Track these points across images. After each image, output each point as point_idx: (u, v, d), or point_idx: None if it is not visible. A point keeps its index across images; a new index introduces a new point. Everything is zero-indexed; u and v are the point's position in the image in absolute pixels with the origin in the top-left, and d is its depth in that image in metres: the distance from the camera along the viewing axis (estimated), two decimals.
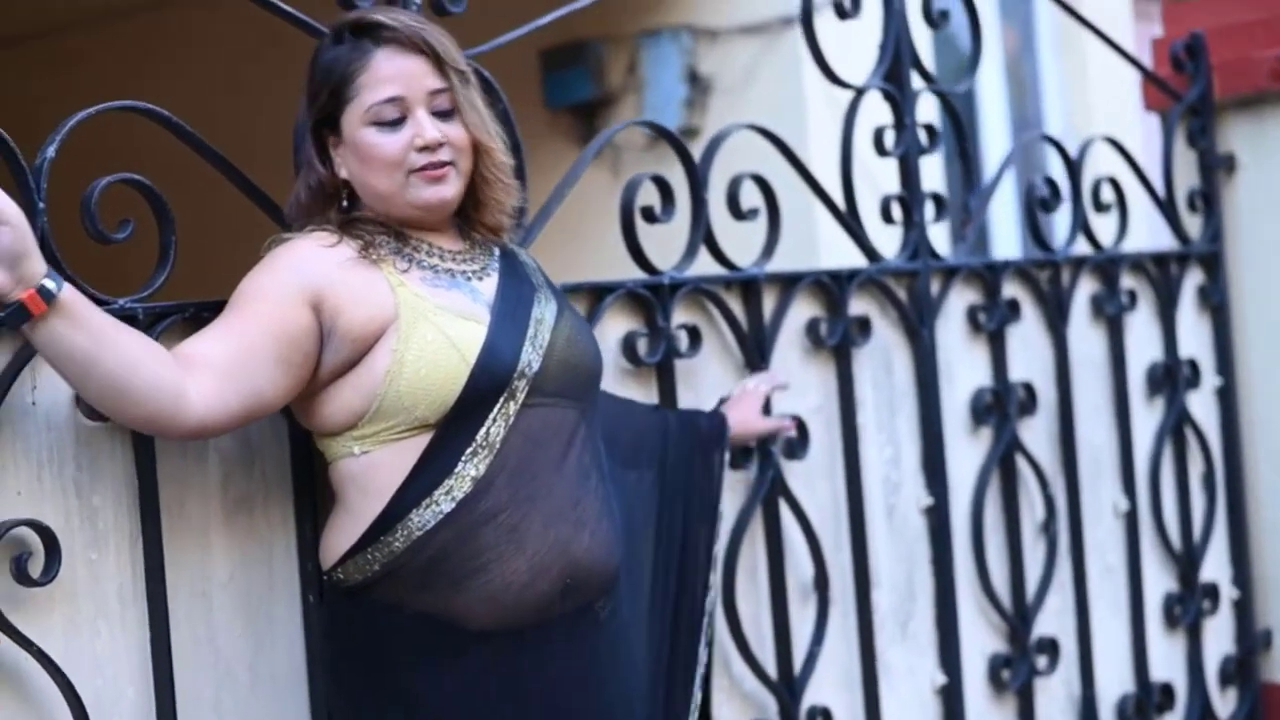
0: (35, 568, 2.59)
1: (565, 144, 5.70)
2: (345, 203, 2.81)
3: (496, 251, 2.91)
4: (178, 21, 6.69)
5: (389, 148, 2.75)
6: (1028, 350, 4.32)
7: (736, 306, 3.63)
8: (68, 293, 2.46)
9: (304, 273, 2.69)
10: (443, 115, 2.79)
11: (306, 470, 2.92)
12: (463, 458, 2.71)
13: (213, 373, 2.59)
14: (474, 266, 2.85)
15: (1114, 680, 4.48)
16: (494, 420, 2.73)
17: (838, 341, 3.80)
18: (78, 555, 2.68)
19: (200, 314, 2.75)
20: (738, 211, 3.60)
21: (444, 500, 2.70)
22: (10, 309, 2.42)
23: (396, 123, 2.75)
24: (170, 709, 2.73)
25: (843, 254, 4.32)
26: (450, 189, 2.79)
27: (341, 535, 2.75)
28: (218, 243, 3.31)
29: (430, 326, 2.71)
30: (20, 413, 2.62)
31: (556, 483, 2.78)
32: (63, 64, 6.95)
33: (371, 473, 2.73)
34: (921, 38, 4.25)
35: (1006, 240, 6.63)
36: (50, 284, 2.43)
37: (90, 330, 2.47)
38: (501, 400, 2.73)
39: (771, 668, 3.62)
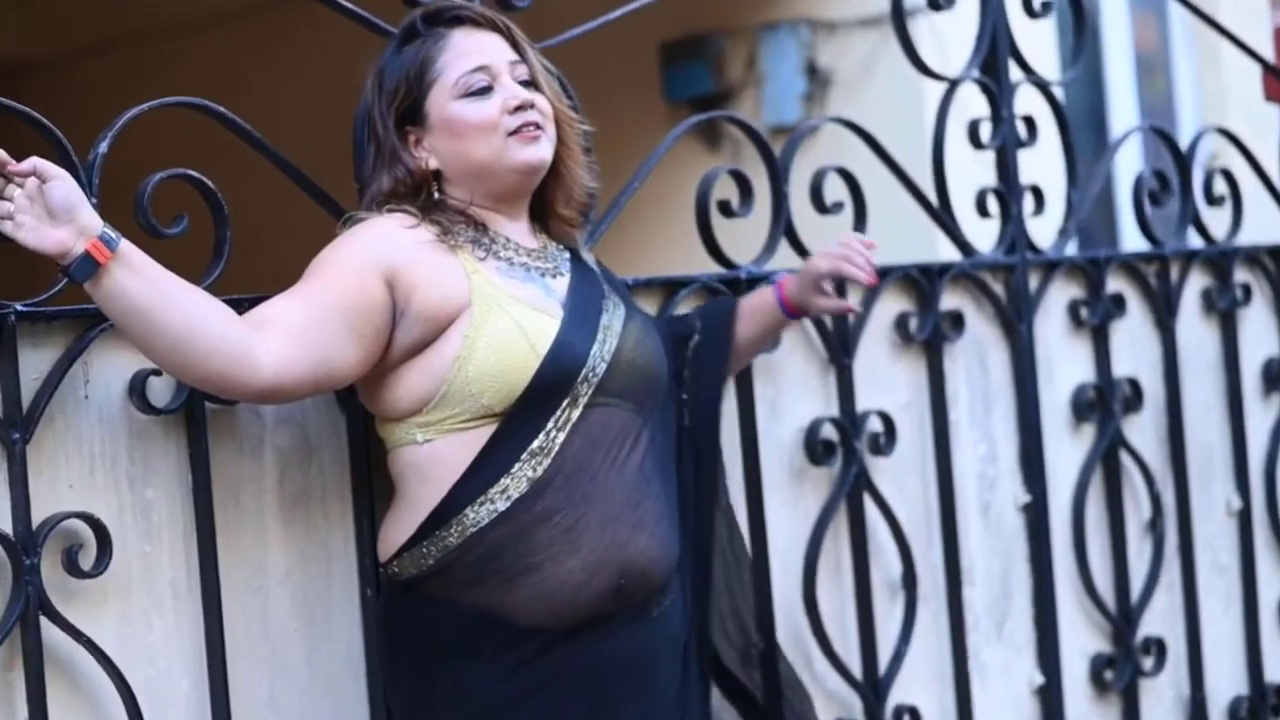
0: (86, 560, 2.61)
1: (684, 138, 5.66)
2: (434, 194, 2.82)
3: (568, 254, 2.91)
4: (282, 22, 6.77)
5: (483, 112, 2.78)
6: (1134, 346, 4.24)
7: None
8: (127, 245, 2.48)
9: (381, 248, 2.71)
10: (525, 85, 2.82)
11: (365, 466, 2.92)
12: (521, 458, 2.71)
13: (284, 333, 2.60)
14: (548, 265, 2.85)
15: (1226, 681, 4.39)
16: (555, 422, 2.72)
17: (928, 337, 3.75)
18: (131, 548, 2.71)
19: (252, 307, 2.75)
20: (820, 205, 3.56)
21: (499, 499, 2.70)
22: (76, 261, 2.44)
23: (485, 90, 2.79)
24: (224, 702, 2.75)
25: (948, 249, 4.25)
26: (545, 149, 2.82)
27: (399, 528, 2.76)
28: (282, 243, 3.32)
29: (504, 315, 2.72)
30: (73, 406, 2.65)
31: (616, 484, 2.77)
32: (160, 68, 7.08)
33: (432, 463, 2.73)
34: (1028, 29, 4.18)
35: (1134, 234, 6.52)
36: (110, 233, 2.46)
37: (152, 280, 2.49)
38: (565, 402, 2.73)
39: (856, 666, 3.59)
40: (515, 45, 2.85)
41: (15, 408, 2.57)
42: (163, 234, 2.70)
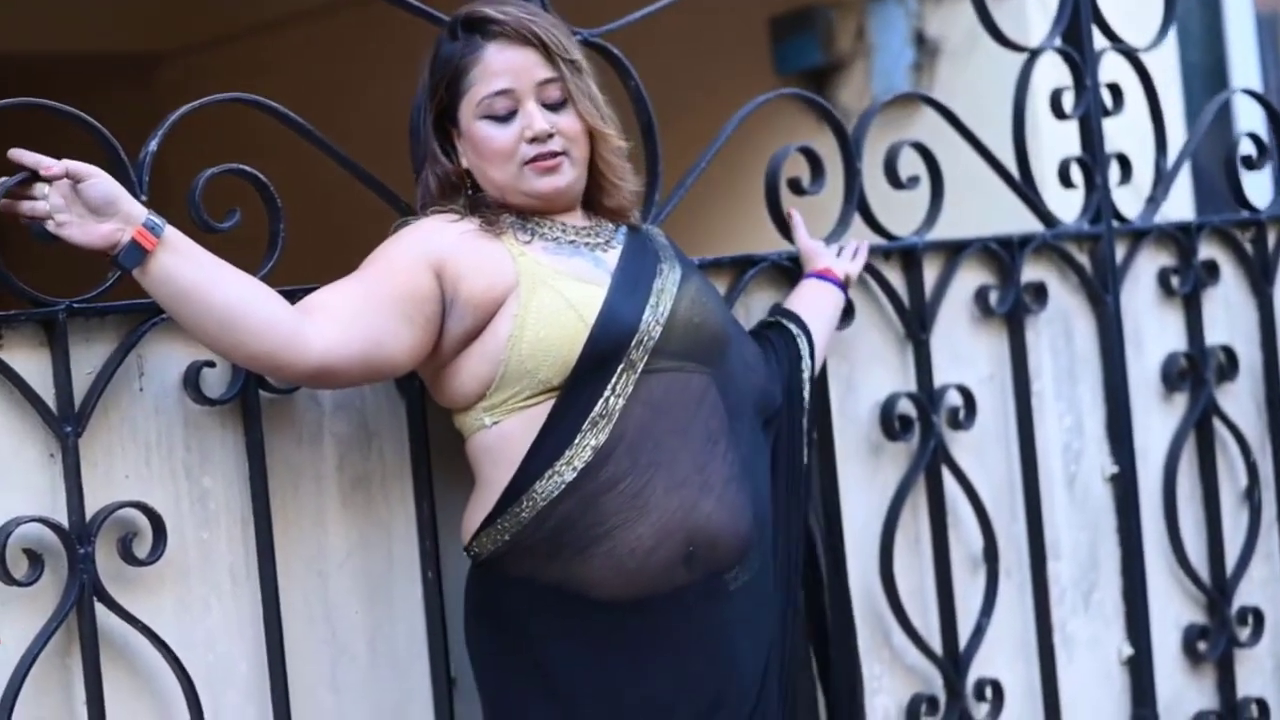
0: (141, 548, 2.68)
1: (796, 111, 5.66)
2: (470, 191, 2.87)
3: (624, 229, 2.94)
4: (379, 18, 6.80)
5: (500, 140, 2.81)
6: (1229, 313, 4.19)
7: (896, 276, 3.59)
8: (172, 230, 2.55)
9: (428, 242, 2.77)
10: (555, 106, 2.83)
11: (424, 449, 2.97)
12: (583, 427, 2.75)
13: (334, 316, 2.66)
14: (599, 239, 2.89)
15: None
16: (613, 389, 2.76)
17: (1009, 309, 3.73)
18: (188, 535, 2.77)
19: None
20: (895, 180, 3.56)
21: (566, 470, 2.74)
22: (124, 250, 2.51)
23: (508, 116, 2.81)
24: (282, 683, 2.81)
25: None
26: (563, 178, 2.83)
27: (477, 510, 2.81)
28: (345, 238, 3.37)
29: (549, 290, 2.76)
30: (128, 399, 2.72)
31: (681, 448, 2.80)
32: (290, 54, 7.17)
33: (502, 444, 2.78)
34: None
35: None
36: (155, 220, 2.53)
37: (200, 263, 2.56)
38: (620, 368, 2.76)
39: (936, 641, 3.59)
40: (551, 59, 2.84)
41: (68, 403, 2.64)
42: (215, 228, 2.76)
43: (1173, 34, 5.84)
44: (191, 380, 2.75)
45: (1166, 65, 5.73)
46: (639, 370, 2.78)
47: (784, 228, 3.42)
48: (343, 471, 2.93)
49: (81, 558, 2.62)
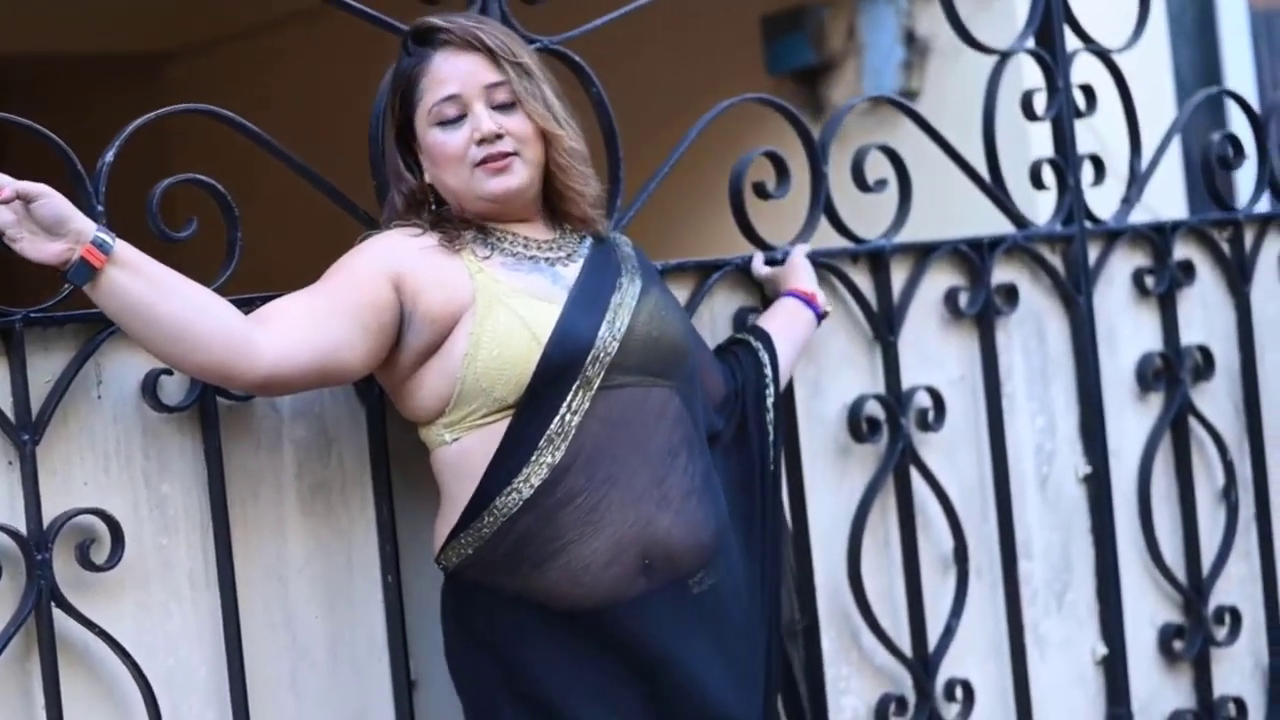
0: (99, 554, 2.72)
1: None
2: (434, 205, 2.90)
3: (589, 240, 2.96)
4: None
5: (451, 144, 2.84)
6: (1206, 313, 4.21)
7: (864, 279, 3.62)
8: (122, 245, 2.59)
9: (387, 254, 2.81)
10: (504, 108, 2.86)
11: (384, 455, 3.00)
12: (539, 444, 2.78)
13: (287, 325, 2.70)
14: (560, 254, 2.91)
15: None
16: (569, 405, 2.79)
17: (979, 310, 3.75)
18: (147, 542, 2.81)
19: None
20: (862, 184, 3.58)
21: (524, 486, 2.78)
22: (73, 267, 2.55)
23: (457, 120, 2.85)
24: (241, 686, 2.85)
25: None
26: (515, 179, 2.86)
27: (443, 523, 2.86)
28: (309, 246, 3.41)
29: (504, 309, 2.79)
30: (86, 407, 2.76)
31: (639, 463, 2.83)
32: (298, 52, 7.21)
33: (464, 459, 2.82)
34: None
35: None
36: (104, 237, 2.57)
37: (148, 277, 2.60)
38: (576, 386, 2.79)
39: (905, 641, 3.61)
40: (498, 63, 2.86)
41: (25, 410, 2.68)
42: (173, 238, 2.80)
43: (1164, 33, 5.88)
44: (149, 388, 2.79)
45: (1157, 65, 5.74)
46: (595, 387, 2.81)
47: (749, 232, 3.44)
48: (302, 478, 2.96)
49: (39, 564, 2.66)
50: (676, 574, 2.86)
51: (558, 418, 2.78)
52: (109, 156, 2.77)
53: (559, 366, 2.78)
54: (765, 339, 3.20)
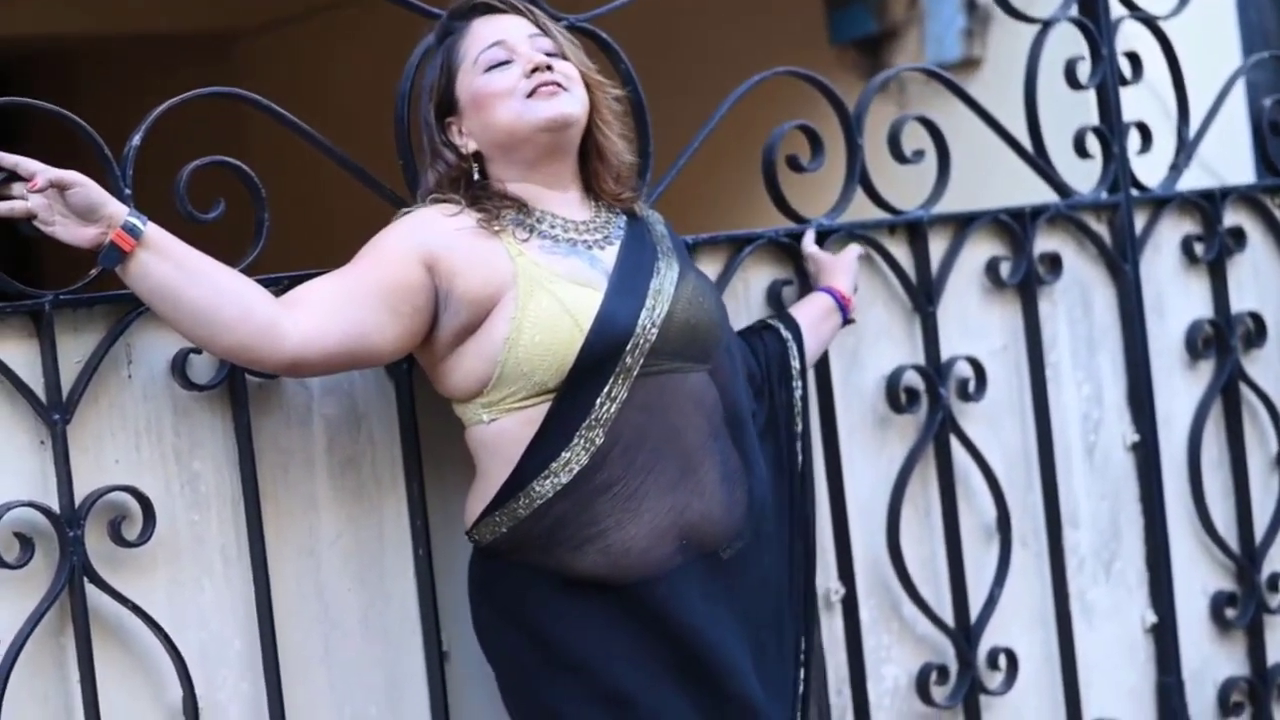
0: (131, 530, 2.78)
1: (852, 80, 5.67)
2: (475, 176, 2.92)
3: (623, 220, 2.99)
4: None
5: (504, 80, 2.88)
6: (1259, 279, 4.19)
7: (902, 251, 3.62)
8: (153, 229, 2.65)
9: (421, 234, 2.84)
10: (549, 55, 2.91)
11: (413, 430, 3.04)
12: (579, 430, 2.81)
13: (316, 309, 2.74)
14: (597, 236, 2.94)
15: None
16: (609, 393, 2.81)
17: (1021, 280, 3.75)
18: (179, 517, 2.86)
19: (295, 284, 2.87)
20: (899, 155, 3.59)
21: (562, 472, 2.81)
22: (104, 251, 2.62)
23: (505, 63, 2.89)
24: (273, 658, 2.90)
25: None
26: (567, 104, 2.88)
27: (477, 499, 2.89)
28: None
29: (546, 294, 2.81)
30: (116, 386, 2.82)
31: (676, 449, 2.86)
32: (361, 31, 7.25)
33: (500, 440, 2.85)
34: None
35: None
36: (135, 221, 2.64)
37: (177, 260, 2.66)
38: (616, 372, 2.82)
39: (948, 611, 3.62)
40: (537, 24, 2.94)
41: (55, 391, 2.73)
42: (200, 219, 2.84)
43: None
44: (179, 367, 2.84)
45: (1222, 28, 5.68)
46: (634, 374, 2.83)
47: (783, 204, 3.45)
48: (332, 453, 3.00)
49: (71, 540, 2.72)
50: (709, 549, 2.89)
51: (597, 404, 2.81)
52: (135, 140, 2.82)
53: (600, 354, 2.81)
54: (795, 330, 3.22)
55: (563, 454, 2.80)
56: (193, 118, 3.02)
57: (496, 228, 2.86)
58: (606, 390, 2.81)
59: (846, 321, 3.34)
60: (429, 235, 2.83)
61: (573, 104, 2.89)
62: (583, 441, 2.80)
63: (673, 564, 2.85)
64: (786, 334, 3.20)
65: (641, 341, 2.83)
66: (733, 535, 2.92)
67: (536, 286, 2.81)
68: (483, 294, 2.81)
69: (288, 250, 3.18)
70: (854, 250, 3.42)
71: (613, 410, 2.81)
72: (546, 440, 2.81)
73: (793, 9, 6.11)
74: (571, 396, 2.81)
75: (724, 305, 3.08)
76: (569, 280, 2.84)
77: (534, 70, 2.87)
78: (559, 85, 2.88)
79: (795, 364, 3.17)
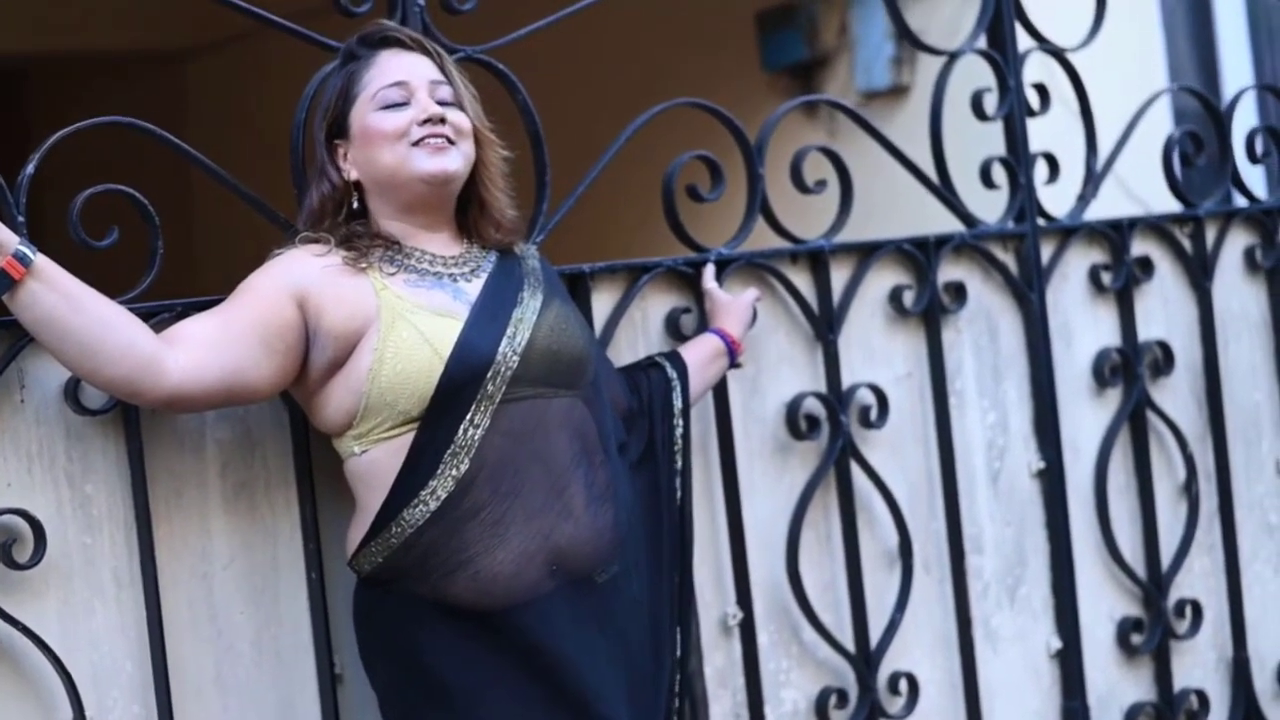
0: (22, 553, 2.81)
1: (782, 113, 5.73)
2: (352, 208, 2.98)
3: (494, 255, 3.04)
4: None
5: (393, 122, 2.93)
6: (1167, 308, 4.24)
7: (804, 280, 3.67)
8: (42, 259, 2.69)
9: (292, 273, 2.89)
10: (444, 105, 2.96)
11: (306, 456, 3.08)
12: (444, 458, 2.86)
13: (195, 346, 2.78)
14: (465, 269, 2.99)
15: (1277, 642, 4.37)
16: (471, 420, 2.86)
17: (924, 308, 3.80)
18: (71, 541, 2.90)
19: (187, 312, 2.92)
20: (801, 185, 3.63)
21: (430, 499, 2.86)
22: None
23: (401, 105, 2.94)
24: (164, 681, 2.92)
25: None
26: (452, 161, 2.94)
27: (356, 529, 2.95)
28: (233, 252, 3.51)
29: (407, 325, 2.87)
30: (9, 410, 2.85)
31: (542, 474, 2.91)
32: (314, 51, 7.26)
33: (372, 470, 2.91)
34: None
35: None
36: (25, 250, 2.67)
37: (65, 292, 2.69)
38: (478, 399, 2.86)
39: (849, 636, 3.66)
40: (442, 69, 2.99)
41: None
42: (94, 246, 2.88)
43: (1158, 27, 5.89)
44: (71, 392, 2.88)
45: (1150, 59, 5.75)
46: (497, 401, 2.88)
47: (681, 233, 3.50)
48: (225, 478, 3.04)
49: None
50: (580, 574, 2.94)
51: (460, 432, 2.86)
52: (29, 169, 2.86)
53: (460, 382, 2.86)
54: (682, 369, 3.27)
55: (430, 482, 2.86)
56: (134, 140, 3.05)
57: (363, 265, 2.91)
58: (469, 417, 2.85)
59: (734, 365, 3.39)
60: (299, 274, 2.88)
61: (455, 161, 2.94)
62: (448, 469, 2.85)
63: (542, 589, 2.89)
64: (672, 373, 3.25)
65: (503, 369, 2.88)
66: (604, 559, 2.96)
67: (398, 318, 2.87)
68: (348, 328, 2.87)
69: (245, 265, 3.19)
70: (751, 294, 3.47)
71: (476, 437, 2.86)
72: (414, 469, 2.87)
73: (727, 36, 6.17)
74: (435, 425, 2.86)
75: (593, 335, 3.14)
76: (430, 311, 2.89)
77: (426, 120, 2.91)
78: (448, 139, 2.93)
79: (678, 403, 3.23)
